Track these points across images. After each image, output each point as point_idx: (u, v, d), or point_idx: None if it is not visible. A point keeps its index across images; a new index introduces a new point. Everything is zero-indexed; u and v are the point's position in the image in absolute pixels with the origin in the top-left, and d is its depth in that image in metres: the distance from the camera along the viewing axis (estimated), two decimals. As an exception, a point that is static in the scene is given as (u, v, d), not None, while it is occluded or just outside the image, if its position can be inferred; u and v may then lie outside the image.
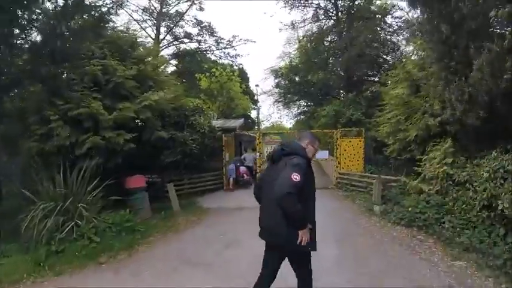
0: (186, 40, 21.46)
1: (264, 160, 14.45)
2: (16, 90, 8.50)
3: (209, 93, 24.14)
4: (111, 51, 9.16)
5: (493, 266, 5.22)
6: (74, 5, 7.35)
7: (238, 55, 22.14)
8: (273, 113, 62.45)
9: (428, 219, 7.28)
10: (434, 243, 6.56)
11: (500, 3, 5.54)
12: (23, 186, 7.37)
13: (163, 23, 20.89)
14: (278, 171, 3.09)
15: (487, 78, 6.57)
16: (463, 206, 6.90)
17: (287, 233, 3.05)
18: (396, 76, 11.41)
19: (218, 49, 21.76)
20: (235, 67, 25.57)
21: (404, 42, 20.50)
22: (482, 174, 6.59)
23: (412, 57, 11.84)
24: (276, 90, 26.93)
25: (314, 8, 22.29)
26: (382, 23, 20.86)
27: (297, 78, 24.93)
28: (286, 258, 3.42)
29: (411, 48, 14.69)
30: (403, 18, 20.05)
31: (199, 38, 21.48)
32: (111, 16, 8.28)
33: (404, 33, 19.99)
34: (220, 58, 22.33)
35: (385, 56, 21.97)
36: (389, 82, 13.37)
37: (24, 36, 7.63)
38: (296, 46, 25.31)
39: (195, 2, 20.84)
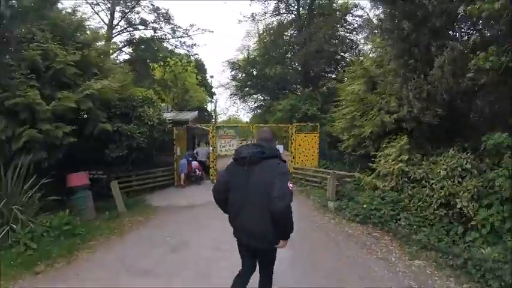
0: (141, 27, 20.15)
1: (217, 155, 13.91)
2: None
3: (163, 84, 23.16)
4: (54, 34, 8.25)
5: (453, 265, 5.13)
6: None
7: (195, 45, 21.08)
8: (230, 106, 62.16)
9: (384, 216, 7.18)
10: (390, 241, 6.44)
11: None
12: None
13: (118, 8, 19.50)
14: (260, 176, 3.05)
15: (448, 77, 6.52)
16: (419, 203, 6.85)
17: (273, 239, 3.10)
18: (353, 72, 11.33)
19: (174, 37, 20.64)
20: (191, 57, 24.60)
21: (362, 41, 20.81)
22: (439, 172, 6.58)
23: (370, 55, 11.81)
24: (233, 83, 26.43)
25: (276, 2, 21.94)
26: (342, 21, 20.83)
27: (254, 72, 24.49)
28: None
29: (369, 47, 14.95)
30: (364, 17, 20.23)
31: (155, 25, 20.27)
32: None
33: (363, 31, 20.16)
34: (175, 47, 21.23)
35: (343, 54, 22.07)
36: (346, 78, 13.34)
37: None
38: (256, 39, 24.94)
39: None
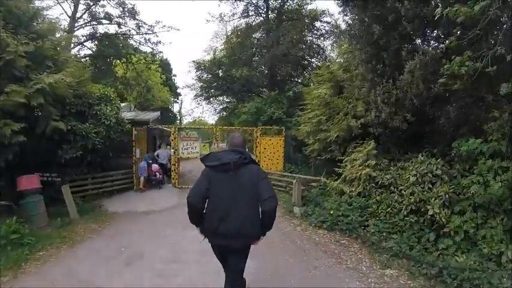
0: (105, 21, 19.08)
1: (179, 157, 13.32)
2: None
3: (125, 82, 22.16)
4: (6, 21, 7.47)
5: (427, 274, 4.93)
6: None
7: (160, 42, 20.22)
8: (195, 108, 61.16)
9: (352, 223, 6.96)
10: (360, 249, 6.21)
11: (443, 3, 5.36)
12: None
13: (82, 0, 18.38)
14: (245, 180, 3.20)
15: (418, 82, 6.43)
16: (388, 209, 6.69)
17: (258, 236, 3.35)
18: (320, 76, 11.20)
19: (139, 34, 19.70)
20: (156, 56, 23.70)
21: (330, 47, 20.99)
22: (409, 177, 6.45)
23: (337, 61, 11.73)
24: (199, 84, 25.81)
25: (245, 3, 21.70)
26: (311, 26, 20.87)
27: (220, 73, 24.04)
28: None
29: (336, 53, 14.94)
30: (331, 23, 20.42)
31: (119, 20, 19.26)
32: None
33: (331, 37, 20.31)
34: (140, 44, 20.29)
35: (310, 59, 22.15)
36: (313, 83, 13.24)
37: None
38: (223, 41, 24.47)
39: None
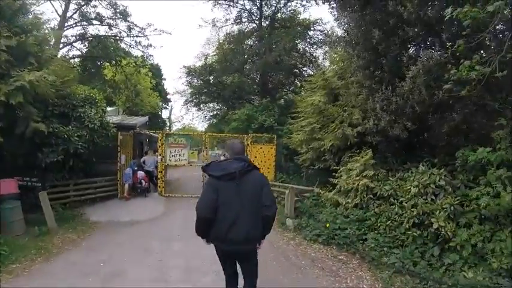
0: (96, 22, 18.59)
1: (166, 165, 12.83)
2: None
3: (114, 85, 21.65)
4: None
5: (436, 293, 4.54)
6: None
7: (151, 45, 19.81)
8: (185, 114, 60.63)
9: (350, 236, 6.55)
10: (359, 265, 5.78)
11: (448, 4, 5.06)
12: None
13: (74, 0, 17.87)
14: (249, 187, 3.28)
15: (421, 88, 6.13)
16: (388, 222, 6.31)
17: (260, 240, 3.46)
18: (314, 84, 10.87)
19: (129, 36, 19.24)
20: (146, 59, 23.21)
21: (322, 56, 20.86)
22: (410, 189, 6.09)
23: (332, 68, 11.42)
24: (189, 90, 25.42)
25: (238, 9, 21.51)
26: (304, 34, 20.70)
27: (211, 79, 23.66)
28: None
29: (329, 62, 14.68)
30: (324, 32, 20.29)
31: (110, 21, 18.81)
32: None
33: (325, 45, 20.16)
34: (130, 47, 19.83)
35: (302, 67, 22.02)
36: (304, 91, 12.93)
37: None
38: (215, 47, 24.10)
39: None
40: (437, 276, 4.84)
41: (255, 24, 21.75)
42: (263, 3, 20.63)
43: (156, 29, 19.51)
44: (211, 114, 28.33)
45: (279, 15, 21.56)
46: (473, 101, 5.61)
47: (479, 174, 5.45)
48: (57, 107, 8.91)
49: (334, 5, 8.59)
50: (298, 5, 21.05)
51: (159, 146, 12.81)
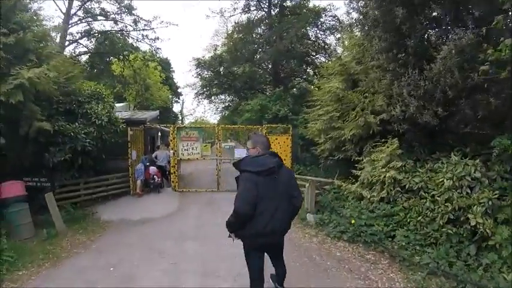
0: (100, 18, 18.25)
1: (179, 159, 12.48)
2: None
3: (122, 81, 21.37)
4: None
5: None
6: None
7: (158, 38, 19.40)
8: (196, 107, 60.48)
9: (377, 233, 6.07)
10: (389, 266, 5.29)
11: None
12: None
13: None
14: (284, 181, 3.40)
15: (453, 70, 5.56)
16: (419, 217, 5.78)
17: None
18: (331, 69, 10.29)
19: (136, 30, 18.87)
20: (155, 53, 22.81)
21: (334, 42, 20.13)
22: (443, 181, 5.55)
23: (347, 53, 10.80)
24: (199, 81, 25.08)
25: (246, -2, 20.90)
26: (315, 20, 19.99)
27: (221, 70, 23.18)
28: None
29: (342, 48, 14.08)
30: (337, 17, 19.58)
31: (115, 16, 18.46)
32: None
33: (336, 32, 19.48)
34: (137, 40, 19.47)
35: (314, 54, 21.34)
36: (319, 78, 12.36)
37: None
38: (224, 38, 23.70)
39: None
40: (475, 279, 4.33)
41: (263, 12, 21.17)
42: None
43: (162, 22, 19.10)
44: (223, 106, 28.04)
45: (288, 2, 20.87)
46: None
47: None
48: (62, 105, 8.63)
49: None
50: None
51: (171, 140, 12.45)
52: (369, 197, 7.03)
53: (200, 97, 25.90)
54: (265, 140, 3.68)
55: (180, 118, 42.12)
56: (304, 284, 4.66)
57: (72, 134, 8.27)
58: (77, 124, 8.57)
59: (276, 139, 12.50)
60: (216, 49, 24.02)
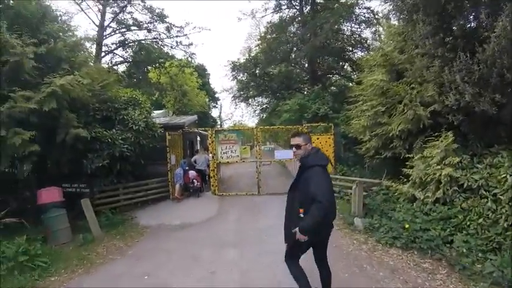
0: (134, 28, 18.65)
1: (218, 162, 12.25)
2: None
3: (160, 88, 21.67)
4: (14, 24, 7.00)
5: None
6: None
7: (192, 44, 19.49)
8: (234, 111, 60.89)
9: (434, 239, 5.43)
10: (448, 275, 4.68)
11: None
12: None
13: (109, 9, 17.99)
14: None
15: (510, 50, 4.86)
16: (480, 220, 5.11)
17: None
18: (372, 61, 9.62)
19: (169, 37, 19.05)
20: (190, 59, 22.94)
21: (370, 36, 19.30)
22: (505, 178, 4.85)
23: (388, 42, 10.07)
24: (235, 85, 25.10)
25: (277, -2, 20.51)
26: (349, 13, 19.20)
27: (257, 71, 23.00)
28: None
29: (378, 42, 13.35)
30: (371, 9, 18.73)
31: (149, 25, 18.77)
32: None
33: (371, 25, 18.63)
34: (171, 47, 19.66)
35: (350, 49, 20.53)
36: (358, 74, 11.67)
37: None
38: (258, 39, 23.41)
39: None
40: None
41: (295, 10, 20.71)
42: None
43: (195, 27, 19.17)
44: (261, 108, 27.82)
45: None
46: None
47: None
48: (99, 112, 8.72)
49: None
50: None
51: (210, 144, 12.28)
52: (422, 198, 6.37)
53: (237, 100, 25.92)
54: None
55: (219, 123, 42.38)
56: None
57: (109, 140, 8.32)
58: (114, 130, 8.64)
59: (318, 139, 11.95)
60: (250, 50, 23.88)
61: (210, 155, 12.31)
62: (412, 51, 7.72)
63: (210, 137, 12.19)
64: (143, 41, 19.17)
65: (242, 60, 23.88)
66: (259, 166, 12.07)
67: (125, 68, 20.45)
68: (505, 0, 5.71)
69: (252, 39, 24.35)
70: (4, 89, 6.31)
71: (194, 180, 11.61)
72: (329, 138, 11.97)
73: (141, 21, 18.54)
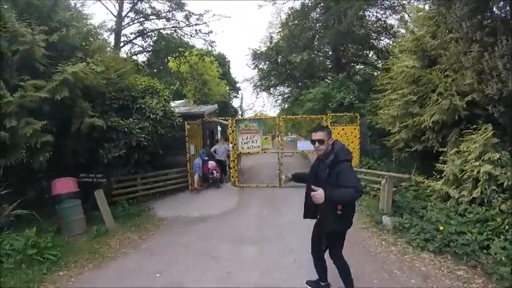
0: (152, 17, 18.47)
1: (238, 153, 11.93)
2: None
3: (179, 77, 21.50)
4: (25, 13, 6.81)
5: None
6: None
7: (211, 32, 19.13)
8: (255, 101, 60.52)
9: (470, 244, 4.94)
10: (484, 286, 4.21)
11: None
12: None
13: None
14: None
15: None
16: (521, 223, 4.57)
17: None
18: (403, 46, 9.00)
19: (188, 25, 18.77)
20: (210, 47, 22.62)
21: (397, 23, 18.38)
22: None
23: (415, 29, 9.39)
24: (256, 74, 24.70)
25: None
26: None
27: (278, 59, 22.42)
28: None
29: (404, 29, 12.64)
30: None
31: (167, 14, 18.53)
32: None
33: (398, 10, 17.70)
34: (191, 36, 19.37)
35: (375, 36, 19.66)
36: (383, 62, 11.02)
37: None
38: (279, 27, 22.80)
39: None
40: None
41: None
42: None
43: (214, 15, 18.85)
44: (282, 98, 27.30)
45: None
46: None
47: None
48: (116, 101, 8.53)
49: None
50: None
51: (230, 133, 11.95)
52: (456, 197, 5.86)
53: (258, 89, 25.47)
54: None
55: (240, 113, 42.13)
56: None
57: (126, 129, 8.15)
58: (131, 119, 8.44)
59: (343, 129, 11.41)
60: (271, 38, 23.25)
61: (231, 145, 11.99)
62: (446, 36, 7.15)
63: (230, 127, 11.86)
64: (162, 30, 18.99)
65: (263, 49, 23.36)
66: (281, 157, 11.67)
67: (145, 57, 20.40)
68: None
69: (273, 28, 23.71)
70: (15, 78, 6.15)
71: (214, 171, 11.38)
72: (354, 129, 11.39)
73: (160, 10, 18.33)
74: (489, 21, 5.92)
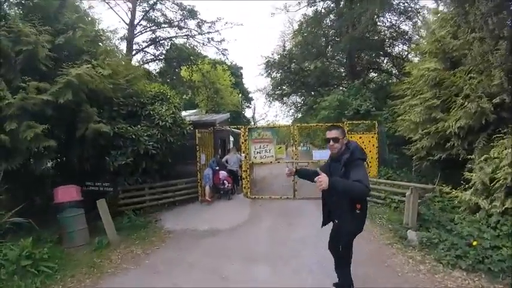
0: (164, 25, 18.48)
1: (251, 163, 11.53)
2: None
3: (192, 86, 21.39)
4: (30, 14, 6.79)
5: None
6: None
7: (224, 40, 18.99)
8: (268, 110, 60.44)
9: (506, 259, 4.42)
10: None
11: None
12: None
13: (139, 7, 17.89)
14: None
15: None
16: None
17: None
18: (422, 48, 8.58)
19: (201, 34, 18.69)
20: (223, 55, 22.53)
21: (411, 29, 18.02)
22: None
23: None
24: (269, 83, 24.52)
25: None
26: (389, 2, 17.92)
27: (292, 67, 22.21)
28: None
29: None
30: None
31: (179, 22, 18.52)
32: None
33: (413, 13, 17.29)
34: (203, 44, 19.28)
35: (390, 41, 19.24)
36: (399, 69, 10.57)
37: None
38: (291, 35, 22.70)
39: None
40: None
41: (329, 1, 19.55)
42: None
43: (226, 23, 18.60)
44: (295, 108, 27.06)
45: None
46: None
47: None
48: (124, 107, 8.38)
49: None
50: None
51: (242, 143, 11.61)
52: (487, 208, 5.34)
53: (271, 99, 25.32)
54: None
55: (252, 123, 41.99)
56: None
57: (133, 136, 7.93)
58: (139, 126, 8.21)
59: (360, 138, 10.88)
60: (285, 45, 23.13)
61: (243, 154, 11.61)
62: (468, 36, 6.72)
63: (243, 135, 11.51)
64: (174, 39, 19.03)
65: (276, 57, 23.12)
66: (296, 167, 11.23)
67: (157, 66, 20.39)
68: None
69: (286, 37, 23.59)
70: (18, 80, 6.03)
71: (225, 181, 11.01)
72: (372, 137, 10.88)
73: (172, 19, 18.32)
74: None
